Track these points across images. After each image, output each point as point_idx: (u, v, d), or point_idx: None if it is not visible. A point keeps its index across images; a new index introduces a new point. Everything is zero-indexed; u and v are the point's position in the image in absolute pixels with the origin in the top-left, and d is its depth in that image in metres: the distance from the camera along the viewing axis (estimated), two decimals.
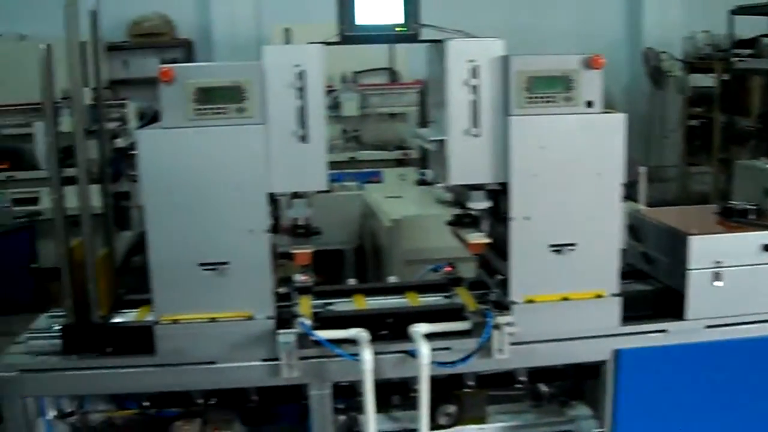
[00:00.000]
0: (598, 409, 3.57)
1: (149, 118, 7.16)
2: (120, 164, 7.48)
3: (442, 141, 3.20)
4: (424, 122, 6.00)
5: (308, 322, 3.09)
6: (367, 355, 3.02)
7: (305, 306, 3.34)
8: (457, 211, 3.53)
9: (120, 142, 7.25)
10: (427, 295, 3.60)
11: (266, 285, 3.12)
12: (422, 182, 6.03)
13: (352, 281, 3.80)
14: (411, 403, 3.37)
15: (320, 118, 3.07)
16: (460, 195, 3.45)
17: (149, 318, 3.31)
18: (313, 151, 3.08)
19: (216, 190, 3.03)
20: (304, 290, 3.50)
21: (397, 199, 5.65)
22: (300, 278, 3.54)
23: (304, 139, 3.06)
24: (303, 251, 3.17)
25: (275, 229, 3.17)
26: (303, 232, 3.24)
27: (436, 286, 3.66)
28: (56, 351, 3.19)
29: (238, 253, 3.07)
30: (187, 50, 10.10)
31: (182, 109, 3.00)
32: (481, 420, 3.57)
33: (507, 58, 3.13)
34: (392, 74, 7.51)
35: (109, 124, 7.03)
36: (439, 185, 5.59)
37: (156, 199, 3.02)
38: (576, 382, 3.70)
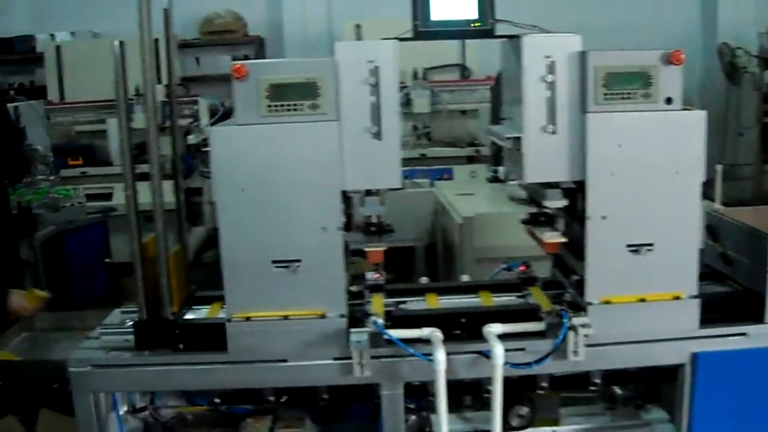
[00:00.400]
0: (674, 413, 3.44)
1: (220, 114, 7.23)
2: (191, 160, 7.58)
3: (517, 138, 3.11)
4: (496, 119, 5.92)
5: (381, 320, 3.04)
6: (440, 355, 2.96)
7: (377, 304, 3.29)
8: (533, 209, 3.44)
9: (192, 139, 7.34)
10: (500, 294, 3.52)
11: (339, 283, 3.07)
12: (494, 179, 5.95)
13: (424, 279, 3.74)
14: (483, 404, 3.31)
15: (394, 115, 3.01)
16: (536, 193, 3.37)
17: (221, 315, 3.30)
18: (386, 148, 3.02)
19: (289, 187, 3.00)
20: (375, 288, 3.45)
21: (468, 196, 5.58)
22: (372, 276, 3.49)
23: (377, 136, 3.00)
24: (376, 249, 3.12)
25: (347, 226, 3.12)
26: (375, 229, 3.19)
27: (509, 286, 3.58)
28: (128, 347, 3.19)
29: (311, 251, 3.03)
30: (258, 47, 10.14)
31: (255, 105, 2.96)
32: (554, 422, 3.49)
33: (584, 53, 3.04)
34: (463, 70, 7.42)
35: (181, 120, 7.18)
36: (512, 182, 5.54)
37: (229, 196, 3.00)
38: (651, 385, 3.58)
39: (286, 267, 3.04)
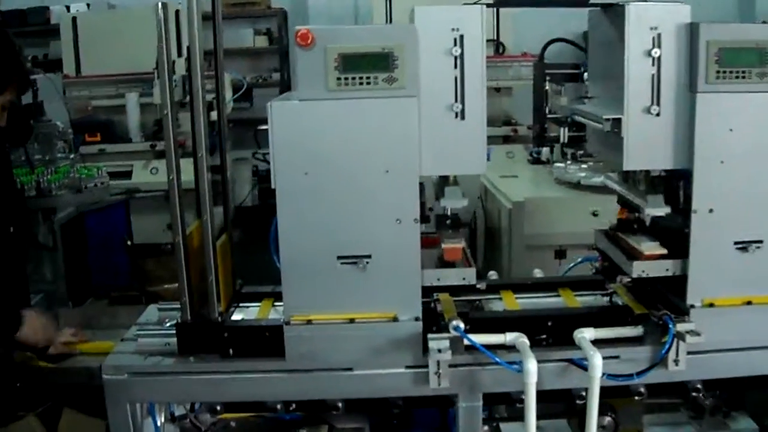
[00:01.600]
0: (764, 423, 3.09)
1: (244, 90, 6.74)
2: (213, 136, 7.06)
3: (617, 120, 2.65)
4: (540, 98, 5.45)
5: (462, 325, 2.58)
6: (531, 365, 2.51)
7: (447, 304, 2.84)
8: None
9: (214, 115, 6.84)
10: (582, 293, 3.05)
11: (414, 283, 2.62)
12: (536, 161, 5.49)
13: (492, 274, 3.29)
14: (558, 412, 2.96)
15: (480, 91, 2.55)
16: (630, 195, 2.91)
17: (273, 315, 2.86)
18: (470, 129, 2.56)
19: (359, 173, 2.54)
20: None
21: (512, 179, 5.11)
22: None
23: (461, 115, 2.54)
24: (454, 246, 2.66)
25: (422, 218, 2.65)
26: (451, 223, 2.73)
27: (591, 283, 3.11)
28: (169, 351, 2.74)
29: (383, 246, 2.57)
30: (281, 20, 9.56)
31: (322, 78, 2.49)
32: None
33: (695, 25, 2.57)
34: (498, 47, 6.92)
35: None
36: (559, 165, 5.08)
37: (289, 181, 2.54)
38: (737, 392, 3.14)
39: (354, 263, 2.58)
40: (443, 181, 2.72)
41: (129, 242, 5.35)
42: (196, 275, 2.75)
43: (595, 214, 4.58)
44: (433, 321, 2.71)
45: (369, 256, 2.58)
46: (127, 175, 6.13)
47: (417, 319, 2.62)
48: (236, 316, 2.91)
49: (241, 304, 3.00)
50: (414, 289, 2.62)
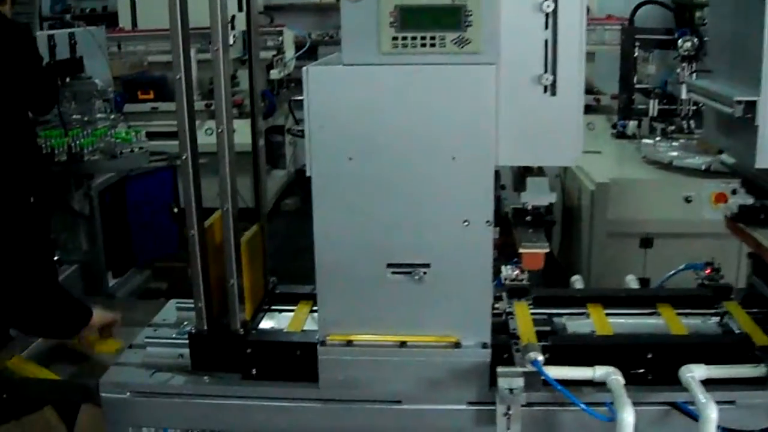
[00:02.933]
0: None
1: (307, 47, 6.15)
2: (273, 97, 6.57)
3: (751, 103, 1.97)
4: (628, 66, 4.75)
5: (540, 357, 1.96)
6: (627, 415, 1.88)
7: (525, 321, 2.23)
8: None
9: (274, 74, 6.32)
10: (686, 311, 2.40)
11: (483, 301, 2.01)
12: (620, 135, 4.80)
13: (577, 281, 2.66)
14: None
15: (578, 60, 1.90)
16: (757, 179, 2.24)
17: (310, 326, 2.28)
18: (563, 108, 1.92)
19: (418, 160, 1.92)
20: (517, 292, 2.38)
21: (595, 155, 4.41)
22: (511, 273, 2.42)
23: (551, 89, 1.90)
24: (536, 251, 2.04)
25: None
26: (532, 220, 2.11)
27: (697, 299, 2.45)
28: (183, 366, 2.18)
29: (446, 253, 1.97)
30: None
31: (373, 37, 1.88)
32: None
33: None
34: None
35: (264, 53, 6.15)
36: (647, 141, 4.38)
37: (329, 168, 1.94)
38: None
39: (408, 274, 1.98)
40: (524, 171, 2.09)
41: (175, 209, 4.81)
42: (217, 275, 2.18)
43: (688, 200, 3.90)
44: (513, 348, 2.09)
45: (427, 265, 1.97)
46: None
47: (485, 345, 2.02)
48: (265, 324, 2.34)
49: (273, 307, 2.43)
50: (482, 308, 2.01)
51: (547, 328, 2.28)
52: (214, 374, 2.14)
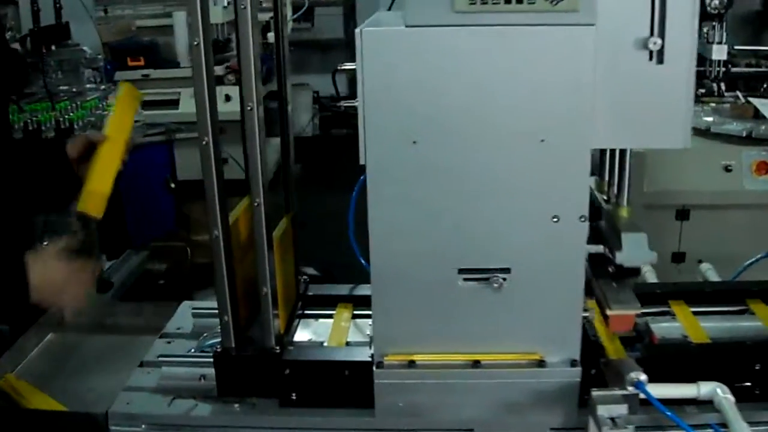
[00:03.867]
0: None
1: (305, 8, 5.68)
2: (270, 60, 6.01)
3: None
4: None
5: (644, 377, 1.58)
6: None
7: (603, 323, 1.84)
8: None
9: (271, 37, 5.82)
10: None
11: (573, 310, 1.63)
12: None
13: (649, 273, 2.28)
14: None
15: (690, 21, 1.50)
16: None
17: (353, 335, 1.89)
18: (672, 79, 1.52)
19: (498, 143, 1.53)
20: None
21: None
22: None
23: (658, 56, 1.50)
24: (627, 312, 1.62)
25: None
26: (617, 273, 1.70)
27: None
28: (205, 391, 1.79)
29: (530, 255, 1.58)
30: None
31: None
32: None
33: None
34: None
35: (261, 15, 5.69)
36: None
37: (388, 154, 1.54)
38: None
39: (484, 280, 1.59)
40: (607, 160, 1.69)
41: (172, 184, 4.38)
42: (243, 277, 1.79)
43: (727, 169, 3.51)
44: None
45: (507, 270, 1.58)
46: (174, 104, 5.06)
47: (574, 363, 1.64)
48: (301, 335, 1.94)
49: (307, 311, 2.03)
50: (572, 320, 1.63)
51: (633, 333, 1.90)
52: (245, 401, 1.75)
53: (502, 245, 1.57)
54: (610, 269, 1.64)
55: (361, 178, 1.66)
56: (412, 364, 1.64)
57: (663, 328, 1.93)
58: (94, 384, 1.94)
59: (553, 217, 1.55)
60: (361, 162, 1.54)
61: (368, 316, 1.95)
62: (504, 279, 1.58)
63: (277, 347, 1.73)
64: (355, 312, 2.01)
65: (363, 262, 1.92)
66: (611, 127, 1.53)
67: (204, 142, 1.61)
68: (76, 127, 3.39)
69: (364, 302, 1.99)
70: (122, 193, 4.08)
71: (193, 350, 1.92)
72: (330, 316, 2.00)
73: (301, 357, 1.74)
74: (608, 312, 1.59)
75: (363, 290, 2.05)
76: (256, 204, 1.64)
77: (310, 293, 2.06)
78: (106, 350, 2.10)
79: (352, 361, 1.71)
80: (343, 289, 2.07)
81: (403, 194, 1.55)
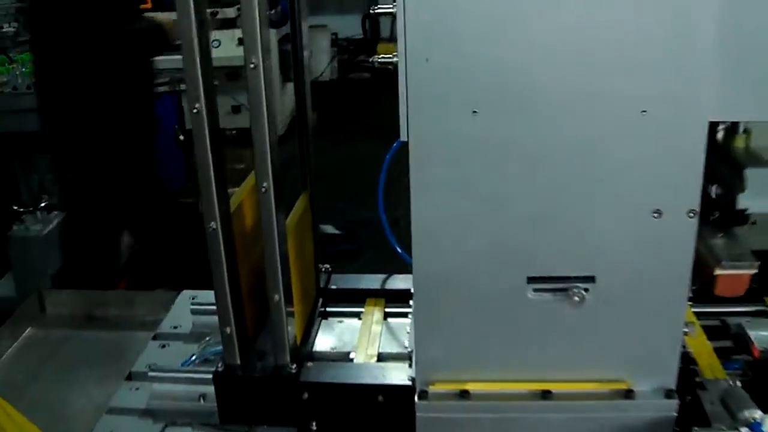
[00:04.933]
0: None
1: None
2: (286, 3, 5.53)
3: None
4: None
5: (758, 414, 1.19)
6: None
7: (704, 348, 1.46)
8: None
9: None
10: None
11: (673, 329, 1.22)
12: None
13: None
14: None
15: None
16: None
17: (386, 345, 1.51)
18: None
19: (584, 114, 1.11)
20: None
21: None
22: None
23: None
24: (740, 272, 1.22)
25: None
26: (724, 219, 1.29)
27: None
28: (204, 413, 1.41)
29: (622, 260, 1.19)
30: None
31: None
32: None
33: None
34: None
35: None
36: None
37: (437, 125, 1.13)
38: None
39: (562, 292, 1.19)
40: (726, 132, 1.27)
41: (181, 136, 3.97)
42: (250, 277, 1.40)
43: None
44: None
45: (591, 279, 1.18)
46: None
47: (669, 394, 1.24)
48: (322, 342, 1.55)
49: (330, 308, 1.64)
50: (670, 340, 1.24)
51: (727, 343, 1.51)
52: (254, 430, 1.37)
53: (586, 248, 1.17)
54: (714, 215, 1.23)
55: (395, 144, 1.27)
56: (464, 394, 1.25)
57: (763, 337, 1.52)
58: (75, 396, 1.57)
59: (654, 212, 1.14)
60: (402, 138, 1.13)
61: (404, 315, 1.58)
62: (586, 290, 1.19)
63: (293, 366, 1.34)
64: (388, 310, 1.62)
65: (401, 251, 1.53)
66: (731, 94, 1.11)
67: (195, 110, 1.20)
68: None
69: (399, 298, 1.61)
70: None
71: (193, 358, 1.54)
72: (357, 315, 1.62)
73: (323, 378, 1.36)
74: (718, 271, 1.19)
75: (397, 282, 1.66)
76: (263, 190, 1.24)
77: (333, 286, 1.67)
78: (91, 351, 1.73)
79: (388, 385, 1.33)
80: (372, 281, 1.68)
81: (458, 180, 1.14)
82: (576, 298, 1.18)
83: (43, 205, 3.18)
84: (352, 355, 1.47)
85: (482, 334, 1.23)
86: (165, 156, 3.90)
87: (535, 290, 1.20)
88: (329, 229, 3.92)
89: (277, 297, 1.31)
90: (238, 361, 1.36)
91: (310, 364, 1.39)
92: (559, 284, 1.19)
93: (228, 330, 1.34)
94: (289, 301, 1.33)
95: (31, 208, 3.16)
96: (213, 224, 1.27)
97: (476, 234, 1.17)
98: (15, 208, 3.17)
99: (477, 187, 1.15)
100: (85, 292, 1.89)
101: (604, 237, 1.16)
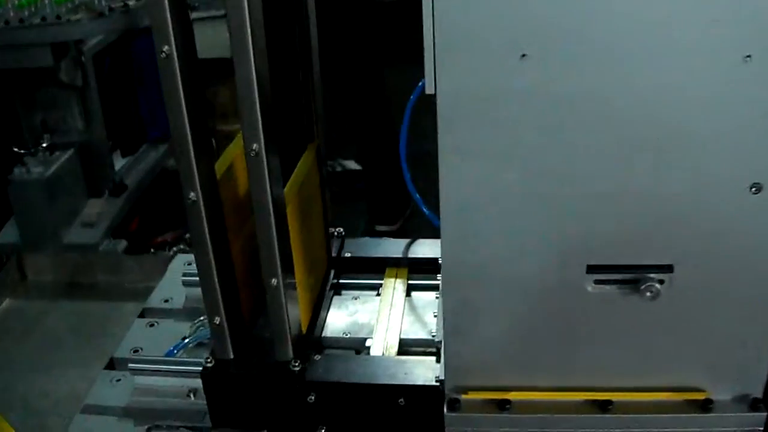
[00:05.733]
0: None
1: None
2: None
3: None
4: None
5: None
6: None
7: None
8: None
9: None
10: None
11: (762, 328, 0.95)
12: None
13: None
14: None
15: None
16: None
17: (408, 322, 1.26)
18: None
19: (665, 62, 0.82)
20: None
21: None
22: None
23: None
24: None
25: None
26: None
27: None
28: (194, 411, 1.18)
29: (706, 247, 0.91)
30: None
31: None
32: None
33: None
34: None
35: None
36: None
37: (474, 74, 0.84)
38: None
39: (631, 284, 0.92)
40: None
41: None
42: (245, 250, 1.15)
43: None
44: None
45: (668, 269, 0.91)
46: None
47: (755, 404, 0.99)
48: (334, 324, 1.30)
49: (343, 280, 1.39)
50: (762, 340, 0.96)
51: None
52: None
53: (663, 230, 0.90)
54: None
55: (420, 84, 1.00)
56: (505, 405, 1.00)
57: None
58: (53, 385, 1.35)
59: (753, 186, 0.87)
60: (428, 90, 0.86)
61: (431, 289, 1.32)
62: (661, 282, 0.92)
63: (296, 362, 1.10)
64: (411, 281, 1.36)
65: (428, 212, 1.27)
66: None
67: (164, 54, 0.93)
68: (60, 12, 2.69)
69: (425, 267, 1.35)
70: (136, 82, 3.44)
71: (186, 341, 1.30)
72: (376, 289, 1.36)
73: (333, 376, 1.11)
74: None
75: (422, 248, 1.40)
76: (252, 153, 0.98)
77: (347, 254, 1.41)
78: (74, 327, 1.50)
79: (410, 386, 1.08)
80: (392, 247, 1.42)
81: (500, 141, 0.87)
82: (649, 293, 0.92)
83: (45, 145, 2.94)
84: (368, 343, 1.23)
85: (528, 333, 0.97)
86: None
87: (597, 282, 0.93)
88: (351, 164, 3.65)
89: (274, 281, 1.05)
90: (231, 356, 1.12)
91: (317, 357, 1.14)
92: (627, 274, 0.93)
93: (217, 320, 1.09)
94: (290, 284, 1.08)
95: (32, 149, 2.93)
96: (193, 195, 1.01)
97: (523, 212, 0.90)
98: (15, 150, 2.94)
99: (525, 153, 0.87)
100: (69, 255, 1.65)
101: (687, 217, 0.89)
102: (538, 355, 0.99)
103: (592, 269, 0.93)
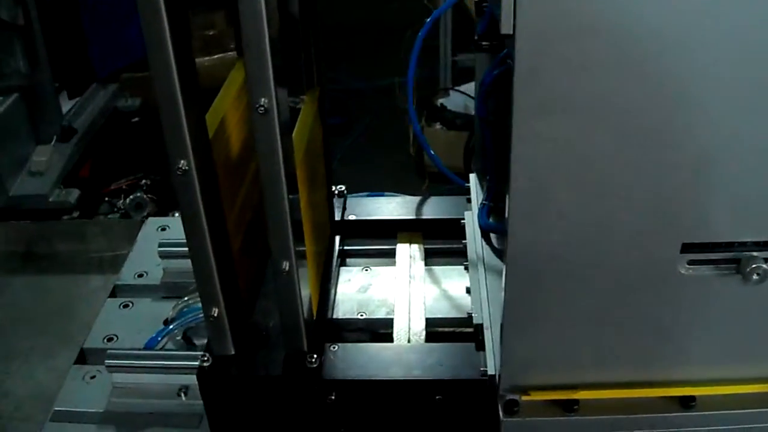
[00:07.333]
0: None
1: None
2: None
3: None
4: None
5: None
6: None
7: None
8: None
9: None
10: None
11: None
12: None
13: None
14: None
15: None
16: None
17: (434, 309, 1.07)
18: None
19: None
20: None
21: None
22: None
23: None
24: None
25: None
26: None
27: None
28: (187, 413, 0.99)
29: None
30: None
31: None
32: None
33: None
34: None
35: None
36: None
37: (564, 8, 0.63)
38: None
39: (731, 264, 0.73)
40: None
41: None
42: (239, 228, 0.94)
43: None
44: None
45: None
46: None
47: None
48: (344, 302, 1.09)
49: (350, 247, 1.19)
50: None
51: None
52: None
53: (756, 209, 0.72)
54: None
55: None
56: (572, 406, 0.82)
57: None
58: (11, 381, 1.13)
59: None
60: (504, 29, 0.64)
61: (453, 254, 1.13)
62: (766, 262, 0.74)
63: (313, 357, 0.90)
64: (427, 245, 1.17)
65: (444, 169, 1.07)
66: None
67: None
68: None
69: (441, 231, 1.16)
70: (83, 18, 3.14)
71: (170, 327, 1.09)
72: (388, 255, 1.16)
73: (355, 373, 0.91)
74: None
75: (437, 208, 1.20)
76: (261, 110, 0.76)
77: (352, 216, 1.20)
78: (33, 308, 1.27)
79: (451, 381, 0.89)
80: (402, 207, 1.21)
81: (592, 93, 0.67)
82: (755, 275, 0.74)
83: None
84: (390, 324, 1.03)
85: (606, 322, 0.79)
86: (125, 24, 3.34)
87: (692, 262, 0.75)
88: None
89: (287, 264, 0.85)
90: (232, 351, 0.92)
91: (333, 347, 0.94)
92: (727, 253, 0.74)
93: (215, 311, 0.88)
94: (302, 264, 0.88)
95: None
96: (183, 163, 0.79)
97: (612, 182, 0.71)
98: None
99: (621, 107, 0.67)
100: (25, 223, 1.41)
101: None
102: (614, 347, 0.80)
103: (687, 248, 0.74)
